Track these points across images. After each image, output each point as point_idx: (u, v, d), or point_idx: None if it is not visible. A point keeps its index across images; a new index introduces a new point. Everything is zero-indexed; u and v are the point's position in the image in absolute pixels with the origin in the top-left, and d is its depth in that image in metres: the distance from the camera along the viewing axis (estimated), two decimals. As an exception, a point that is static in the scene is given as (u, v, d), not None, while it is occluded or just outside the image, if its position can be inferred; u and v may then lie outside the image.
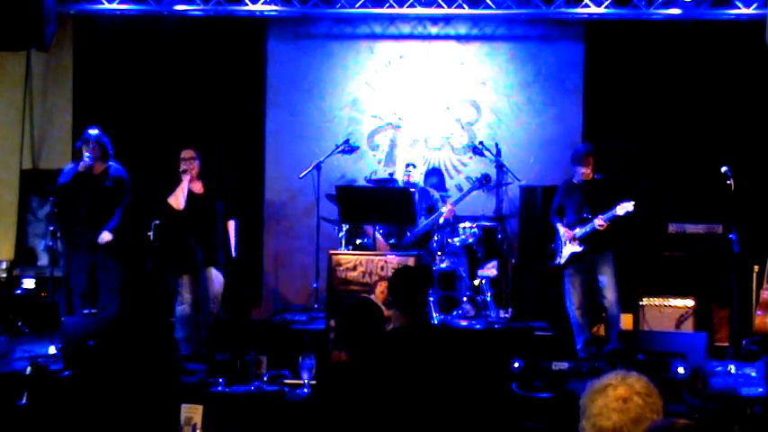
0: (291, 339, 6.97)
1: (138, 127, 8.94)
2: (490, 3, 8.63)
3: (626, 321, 7.49)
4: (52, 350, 6.76)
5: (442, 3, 8.68)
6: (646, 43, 8.72)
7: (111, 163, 7.34)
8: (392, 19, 9.13)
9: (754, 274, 7.29)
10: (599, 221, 7.04)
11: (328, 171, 8.74)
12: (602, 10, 8.52)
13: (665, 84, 8.74)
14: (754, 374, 6.21)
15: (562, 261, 7.26)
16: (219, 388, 5.38)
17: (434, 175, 8.89)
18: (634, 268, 7.90)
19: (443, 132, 9.19)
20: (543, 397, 5.56)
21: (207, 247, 7.15)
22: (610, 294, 7.12)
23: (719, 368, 6.37)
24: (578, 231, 7.16)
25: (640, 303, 7.77)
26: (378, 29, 9.25)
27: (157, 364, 5.40)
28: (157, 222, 8.07)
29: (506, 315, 7.97)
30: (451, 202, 8.00)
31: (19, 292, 8.45)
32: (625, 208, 6.93)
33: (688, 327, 7.64)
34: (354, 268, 7.37)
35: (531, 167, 8.95)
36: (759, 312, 7.15)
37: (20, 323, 8.02)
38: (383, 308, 5.29)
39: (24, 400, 5.31)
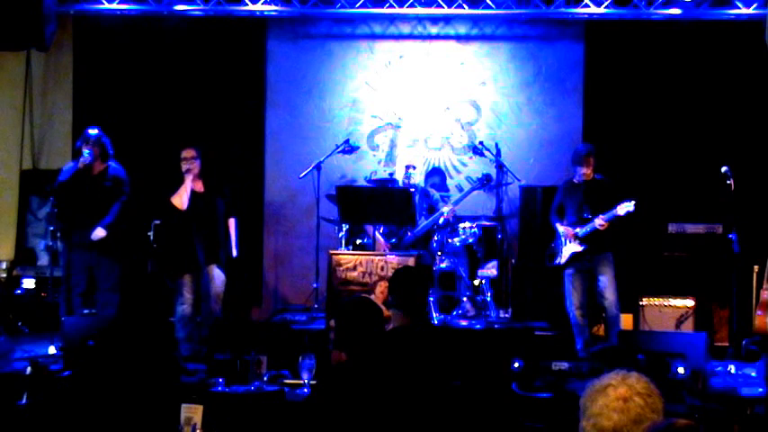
0: (291, 339, 6.97)
1: (138, 127, 8.94)
2: (490, 3, 8.63)
3: (626, 321, 7.49)
4: (52, 350, 6.76)
5: (441, 3, 8.68)
6: (646, 43, 8.73)
7: (110, 163, 7.34)
8: (392, 19, 9.13)
9: (754, 274, 7.29)
10: (599, 221, 7.04)
11: (328, 171, 8.74)
12: (602, 10, 8.52)
13: (666, 84, 8.74)
14: (754, 374, 6.21)
15: (562, 261, 7.26)
16: (219, 388, 5.38)
17: (436, 174, 8.89)
18: (634, 268, 7.91)
19: (443, 132, 9.19)
20: (543, 397, 5.56)
21: (209, 245, 7.17)
22: (610, 295, 7.12)
23: (719, 368, 6.38)
24: (579, 231, 7.16)
25: (640, 303, 7.78)
26: (378, 29, 9.26)
27: (157, 364, 5.39)
28: (158, 222, 8.08)
29: (506, 315, 7.98)
30: (452, 202, 8.00)
31: (19, 292, 8.46)
32: (626, 208, 6.93)
33: (688, 327, 7.64)
34: (354, 268, 7.38)
35: (531, 167, 8.96)
36: (759, 312, 7.15)
37: (20, 323, 8.03)
38: (383, 308, 5.30)
39: (24, 400, 5.31)
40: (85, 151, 7.12)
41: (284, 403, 5.19)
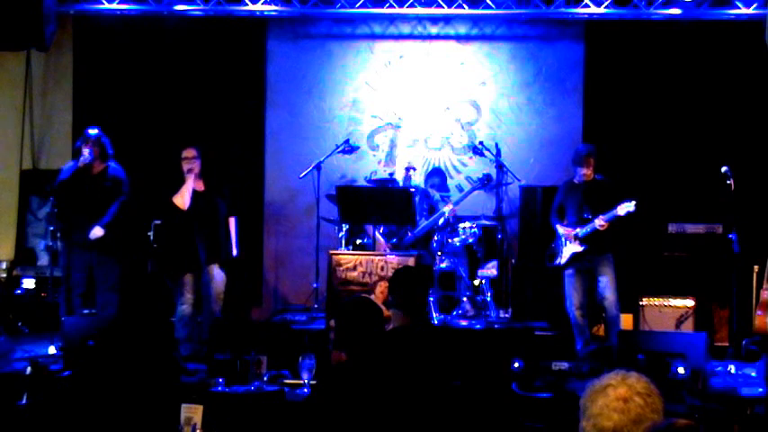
0: (291, 339, 6.97)
1: (138, 127, 8.94)
2: (490, 3, 8.63)
3: (626, 321, 7.49)
4: (52, 350, 6.76)
5: (441, 3, 8.68)
6: (646, 43, 8.72)
7: (110, 163, 7.33)
8: (392, 19, 9.13)
9: (754, 274, 7.29)
10: (600, 222, 7.04)
11: (328, 171, 8.74)
12: (602, 10, 8.52)
13: (666, 84, 8.74)
14: (754, 374, 6.21)
15: (563, 261, 7.26)
16: (219, 388, 5.38)
17: (436, 175, 8.89)
18: (634, 268, 7.90)
19: (443, 132, 9.19)
20: (543, 397, 5.57)
21: (211, 245, 7.17)
22: (610, 295, 7.12)
23: (719, 368, 6.38)
24: (579, 231, 7.16)
25: (640, 303, 7.78)
26: (378, 29, 9.25)
27: (157, 364, 5.40)
28: (158, 222, 8.08)
29: (506, 315, 7.98)
30: (453, 201, 8.01)
31: (19, 292, 8.46)
32: (626, 208, 6.92)
33: (688, 327, 7.64)
34: (354, 268, 7.38)
35: (531, 167, 8.95)
36: (759, 312, 7.15)
37: (20, 323, 8.02)
38: (383, 308, 5.30)
39: (24, 400, 5.31)
40: (85, 151, 7.13)
41: (284, 403, 5.19)
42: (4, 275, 8.63)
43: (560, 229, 7.28)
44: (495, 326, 7.61)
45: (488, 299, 7.93)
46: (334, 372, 4.20)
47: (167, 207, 7.21)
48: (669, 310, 7.75)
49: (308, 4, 8.76)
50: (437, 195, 8.19)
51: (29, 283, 8.50)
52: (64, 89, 9.29)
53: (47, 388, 5.52)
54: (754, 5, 8.33)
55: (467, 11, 8.71)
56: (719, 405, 5.42)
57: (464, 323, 7.61)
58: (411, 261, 7.31)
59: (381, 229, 8.05)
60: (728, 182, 7.15)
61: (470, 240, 7.97)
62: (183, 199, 7.11)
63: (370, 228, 7.94)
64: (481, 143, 8.78)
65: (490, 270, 7.95)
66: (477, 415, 4.70)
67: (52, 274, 7.52)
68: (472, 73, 9.17)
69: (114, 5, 8.75)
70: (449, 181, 9.01)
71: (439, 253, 7.86)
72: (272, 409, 5.16)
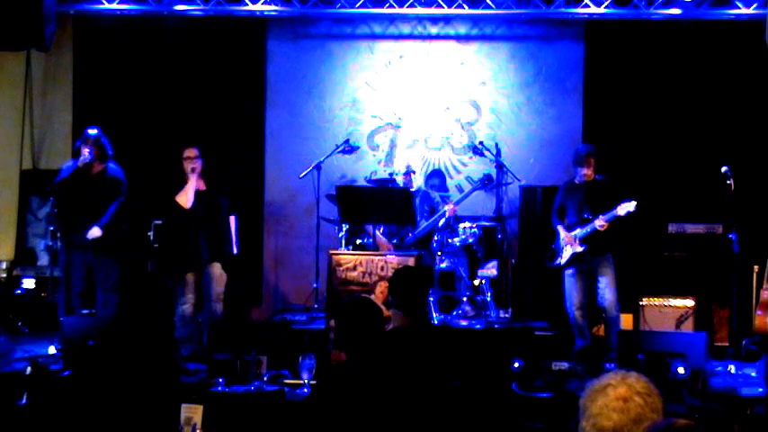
0: (291, 339, 6.97)
1: (138, 126, 8.94)
2: (490, 3, 8.63)
3: (626, 321, 7.49)
4: (52, 350, 6.76)
5: (441, 3, 8.68)
6: (646, 43, 8.72)
7: (109, 164, 7.33)
8: (392, 19, 9.13)
9: (754, 274, 7.29)
10: (600, 222, 7.04)
11: (328, 171, 8.74)
12: (602, 10, 8.52)
13: (666, 84, 8.74)
14: (754, 374, 6.21)
15: (563, 261, 7.25)
16: (219, 388, 5.38)
17: (436, 176, 8.89)
18: (634, 268, 7.90)
19: (443, 132, 9.19)
20: (543, 397, 5.56)
21: (212, 244, 7.18)
22: (609, 296, 7.12)
23: (719, 368, 6.38)
24: (579, 232, 7.16)
25: (640, 303, 7.77)
26: (378, 29, 9.26)
27: (157, 364, 5.40)
28: (158, 222, 8.09)
29: (506, 315, 7.98)
30: (453, 202, 8.01)
31: (19, 292, 8.45)
32: (626, 208, 6.92)
33: (688, 327, 7.64)
34: (354, 268, 7.38)
35: (531, 167, 8.95)
36: (759, 312, 7.15)
37: (20, 323, 8.02)
38: (383, 308, 5.30)
39: (24, 400, 5.31)
40: (85, 151, 7.12)
41: (284, 403, 5.19)
42: (4, 275, 8.63)
43: (561, 232, 7.27)
44: (495, 326, 7.61)
45: (488, 299, 7.93)
46: (334, 372, 4.20)
47: (169, 206, 7.21)
48: (669, 310, 7.74)
49: (307, 4, 8.76)
50: (437, 196, 8.19)
51: (29, 283, 8.49)
52: (64, 89, 9.29)
53: (47, 388, 5.52)
54: (754, 5, 8.33)
55: (467, 11, 8.71)
56: (719, 405, 5.42)
57: (464, 323, 7.60)
58: (411, 261, 7.30)
59: (381, 229, 8.05)
60: (728, 182, 7.15)
61: (470, 240, 7.97)
62: (186, 197, 7.13)
63: (370, 228, 7.94)
64: (481, 143, 8.78)
65: (490, 270, 7.95)
66: (477, 415, 4.70)
67: (52, 274, 7.52)
68: (472, 73, 9.17)
69: (114, 5, 8.75)
70: (449, 181, 9.01)
71: (439, 253, 7.86)
72: (272, 409, 5.16)
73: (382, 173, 8.88)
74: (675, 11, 8.46)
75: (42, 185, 8.21)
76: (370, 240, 7.88)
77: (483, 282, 7.98)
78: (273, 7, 8.80)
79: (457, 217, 7.99)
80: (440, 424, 3.92)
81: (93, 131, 7.25)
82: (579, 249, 7.15)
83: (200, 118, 8.92)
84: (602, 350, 7.03)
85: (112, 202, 7.24)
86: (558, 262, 7.30)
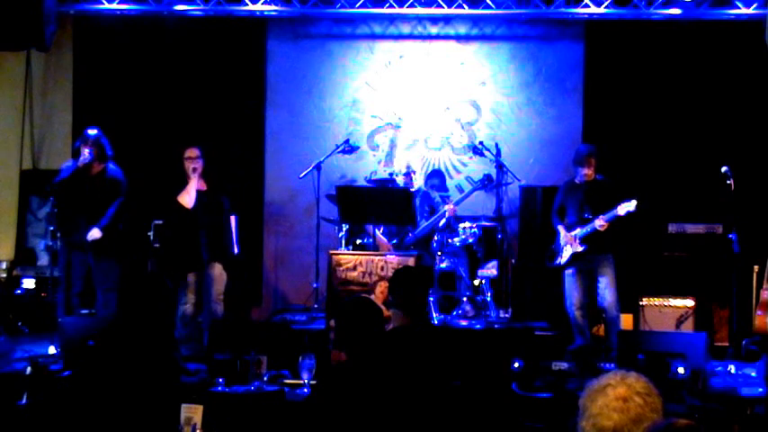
0: (291, 339, 6.96)
1: (139, 127, 8.94)
2: (490, 3, 8.63)
3: (626, 321, 7.49)
4: (52, 350, 6.76)
5: (441, 3, 8.68)
6: (646, 43, 8.73)
7: (109, 165, 7.32)
8: (392, 19, 9.13)
9: (754, 274, 7.29)
10: (600, 222, 7.04)
11: (328, 171, 8.74)
12: (602, 10, 8.52)
13: (666, 84, 8.74)
14: (754, 374, 6.21)
15: (563, 261, 7.26)
16: (219, 388, 5.38)
17: (436, 176, 8.89)
18: (634, 268, 7.90)
19: (443, 132, 9.19)
20: (543, 397, 5.56)
21: (213, 243, 7.19)
22: (609, 296, 7.12)
23: (719, 368, 6.38)
24: (579, 232, 7.16)
25: (640, 303, 7.77)
26: (378, 29, 9.26)
27: (157, 364, 5.40)
28: (158, 222, 8.09)
29: (506, 315, 7.98)
30: (453, 202, 8.01)
31: (19, 292, 8.46)
32: (626, 208, 6.93)
33: (688, 327, 7.64)
34: (354, 268, 7.38)
35: (531, 167, 8.95)
36: (759, 312, 7.15)
37: (20, 323, 8.02)
38: (383, 308, 5.30)
39: (24, 400, 5.31)
40: (85, 151, 7.12)
41: (284, 403, 5.19)
42: (4, 275, 8.63)
43: (561, 231, 7.27)
44: (495, 326, 7.61)
45: (488, 299, 7.93)
46: (334, 372, 4.20)
47: (171, 206, 7.22)
48: (669, 310, 7.74)
49: (307, 4, 8.76)
50: (437, 196, 8.19)
51: (29, 283, 8.50)
52: (64, 89, 9.29)
53: (47, 388, 5.52)
54: (754, 5, 8.33)
55: (467, 11, 8.70)
56: (719, 405, 5.42)
57: (464, 323, 7.61)
58: (411, 261, 7.30)
59: (381, 229, 8.05)
60: (728, 182, 7.15)
61: (470, 240, 7.97)
62: (189, 197, 7.14)
63: (370, 228, 7.94)
64: (481, 143, 8.78)
65: (490, 270, 7.95)
66: (477, 415, 4.70)
67: (52, 274, 7.52)
68: (472, 73, 9.17)
69: (114, 5, 8.75)
70: (448, 181, 9.01)
71: (439, 253, 7.86)
72: (272, 409, 5.16)
73: (382, 173, 8.90)
74: (675, 11, 8.46)
75: (42, 185, 8.21)
76: (370, 240, 7.88)
77: (483, 282, 7.98)
78: (273, 7, 8.80)
79: (457, 217, 7.99)
80: (440, 424, 3.92)
81: (92, 132, 7.26)
82: (579, 249, 7.15)
83: (200, 118, 8.92)
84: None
85: (112, 203, 7.24)
86: (558, 262, 7.30)
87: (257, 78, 9.23)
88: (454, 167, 9.16)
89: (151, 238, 8.15)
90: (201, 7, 8.75)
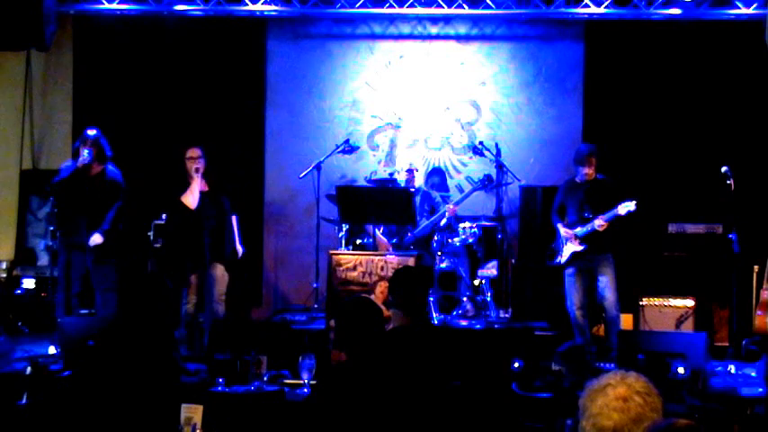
0: (291, 339, 6.96)
1: (139, 127, 8.94)
2: (490, 3, 8.63)
3: (626, 321, 7.49)
4: (52, 350, 6.76)
5: (441, 3, 8.68)
6: (646, 43, 8.73)
7: (108, 166, 7.31)
8: (392, 19, 9.13)
9: (754, 274, 7.29)
10: (599, 222, 7.04)
11: (328, 171, 8.74)
12: (602, 10, 8.52)
13: (665, 84, 8.74)
14: (754, 374, 6.21)
15: (563, 260, 7.25)
16: (219, 388, 5.37)
17: (436, 174, 8.89)
18: (634, 268, 7.90)
19: (443, 132, 9.19)
20: (543, 397, 5.56)
21: (215, 243, 7.19)
22: (609, 295, 7.12)
23: (719, 368, 6.38)
24: (579, 231, 7.16)
25: (640, 303, 7.77)
26: (378, 29, 9.26)
27: (157, 364, 5.39)
28: (159, 222, 8.08)
29: (506, 315, 7.98)
30: (453, 202, 8.01)
31: (19, 292, 8.46)
32: (626, 207, 6.93)
33: (688, 327, 7.64)
34: (354, 268, 7.38)
35: (531, 167, 8.96)
36: (759, 312, 7.15)
37: (20, 323, 8.02)
38: (383, 308, 5.30)
39: (24, 400, 5.30)
40: (84, 151, 7.11)
41: (284, 403, 5.18)
42: (4, 275, 8.63)
43: (561, 230, 7.27)
44: (495, 326, 7.61)
45: (488, 299, 7.93)
46: (334, 372, 4.20)
47: (174, 207, 7.22)
48: (669, 310, 7.74)
49: (307, 4, 8.76)
50: (438, 196, 8.20)
51: (29, 283, 8.50)
52: (64, 89, 9.29)
53: (47, 388, 5.52)
54: (754, 5, 8.33)
55: (467, 11, 8.71)
56: (719, 405, 5.42)
57: (464, 323, 7.61)
58: (411, 261, 7.31)
59: (381, 229, 8.05)
60: (728, 182, 7.15)
61: (470, 240, 7.97)
62: (192, 197, 7.14)
63: (370, 228, 7.94)
64: (481, 143, 8.78)
65: (490, 270, 7.95)
66: (477, 415, 4.70)
67: (52, 274, 7.52)
68: (472, 73, 9.17)
69: (114, 5, 8.75)
70: (449, 181, 9.01)
71: (439, 253, 7.86)
72: (272, 409, 5.15)
73: (382, 173, 8.90)
74: (675, 11, 8.47)
75: (42, 185, 8.22)
76: (370, 240, 7.88)
77: (483, 282, 7.98)
78: (273, 7, 8.80)
79: (457, 217, 7.99)
80: (440, 424, 3.92)
81: (92, 132, 7.25)
82: (579, 248, 7.15)
83: (200, 118, 8.92)
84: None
85: (111, 206, 7.24)
86: (558, 260, 7.30)
87: (257, 78, 9.23)
88: (454, 167, 9.16)
89: (151, 238, 8.15)
90: (201, 7, 8.75)
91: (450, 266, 7.91)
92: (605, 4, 8.50)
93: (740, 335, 7.23)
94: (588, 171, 7.19)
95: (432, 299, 7.47)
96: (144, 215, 8.08)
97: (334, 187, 8.13)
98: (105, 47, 9.09)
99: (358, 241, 8.03)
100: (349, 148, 8.80)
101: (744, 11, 8.37)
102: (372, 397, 3.60)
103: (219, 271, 7.21)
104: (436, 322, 7.42)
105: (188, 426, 4.19)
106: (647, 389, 2.43)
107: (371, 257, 7.43)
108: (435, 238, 7.91)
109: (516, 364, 5.83)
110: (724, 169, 7.20)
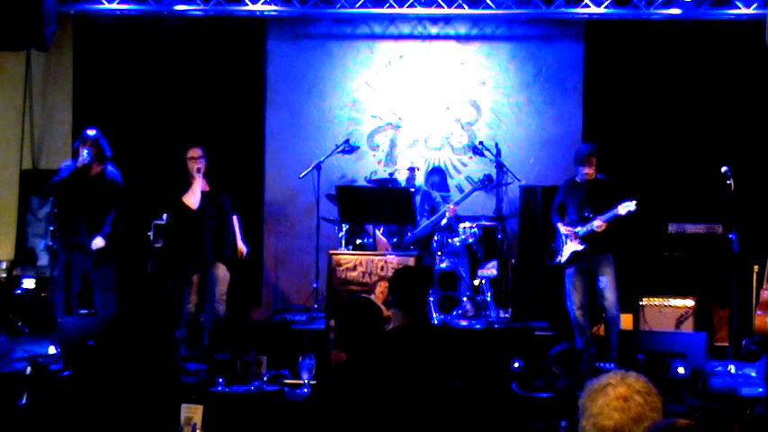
0: (291, 339, 6.96)
1: (139, 127, 8.94)
2: (490, 3, 8.63)
3: (626, 321, 7.49)
4: (52, 350, 6.76)
5: (441, 3, 8.68)
6: (646, 43, 8.73)
7: (107, 167, 7.31)
8: (392, 19, 9.13)
9: (754, 274, 7.29)
10: (597, 223, 7.03)
11: (328, 171, 8.74)
12: (602, 10, 8.52)
13: (665, 84, 8.74)
14: (754, 374, 6.22)
15: (563, 260, 7.25)
16: (219, 388, 5.37)
17: (436, 174, 8.89)
18: (634, 268, 7.90)
19: (443, 132, 9.19)
20: (543, 397, 5.56)
21: (217, 243, 7.20)
22: (610, 295, 7.11)
23: (719, 368, 6.38)
24: (580, 230, 7.16)
25: (640, 303, 7.77)
26: (378, 29, 9.25)
27: (157, 364, 5.40)
28: (159, 222, 8.08)
29: (506, 315, 7.98)
30: (453, 202, 8.01)
31: (19, 292, 8.45)
32: (626, 207, 6.92)
33: (688, 327, 7.64)
34: (354, 268, 7.38)
35: (531, 167, 8.95)
36: (759, 312, 7.15)
37: (20, 323, 8.02)
38: (383, 308, 5.30)
39: (24, 400, 5.30)
40: (84, 151, 7.11)
41: (284, 403, 5.18)
42: (4, 275, 8.63)
43: (561, 228, 7.28)
44: (495, 326, 7.61)
45: (488, 299, 7.93)
46: (334, 372, 4.20)
47: (176, 207, 7.22)
48: (669, 310, 7.74)
49: (307, 4, 8.75)
50: (438, 196, 8.20)
51: (29, 283, 8.49)
52: (64, 89, 9.29)
53: (47, 388, 5.52)
54: (754, 5, 8.33)
55: (467, 11, 8.70)
56: (719, 405, 5.42)
57: (464, 323, 7.61)
58: (411, 261, 7.31)
59: (381, 229, 8.05)
60: (728, 182, 7.15)
61: (470, 240, 7.97)
62: (194, 198, 7.15)
63: (370, 227, 7.94)
64: (481, 143, 8.78)
65: (490, 270, 7.95)
66: (477, 415, 4.70)
67: (52, 274, 7.52)
68: (472, 73, 9.17)
69: (114, 5, 8.75)
70: (449, 181, 9.01)
71: (439, 253, 7.86)
72: (272, 409, 5.15)
73: (382, 173, 8.89)
74: (675, 11, 8.46)
75: (42, 185, 8.22)
76: (370, 240, 7.88)
77: (483, 282, 7.98)
78: (273, 7, 8.80)
79: (457, 217, 7.99)
80: (440, 424, 3.92)
81: (91, 132, 7.24)
82: (579, 247, 7.15)
83: (200, 118, 8.92)
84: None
85: (111, 207, 7.23)
86: (558, 260, 7.30)
87: (257, 78, 9.23)
88: (454, 167, 9.16)
89: (151, 238, 8.15)
90: (201, 7, 8.75)
91: (450, 266, 7.91)
92: (605, 4, 8.50)
93: (740, 335, 7.23)
94: (588, 171, 7.19)
95: (432, 299, 7.47)
96: (144, 215, 8.08)
97: (334, 187, 8.13)
98: (105, 47, 9.09)
99: (358, 241, 8.03)
100: (349, 148, 8.80)
101: (744, 11, 8.37)
102: (372, 397, 3.60)
103: (221, 271, 7.22)
104: (436, 322, 7.42)
105: (188, 426, 4.19)
106: (647, 388, 2.43)
107: (371, 257, 7.43)
108: (435, 238, 7.91)
109: (516, 364, 5.84)
110: (724, 169, 7.20)
